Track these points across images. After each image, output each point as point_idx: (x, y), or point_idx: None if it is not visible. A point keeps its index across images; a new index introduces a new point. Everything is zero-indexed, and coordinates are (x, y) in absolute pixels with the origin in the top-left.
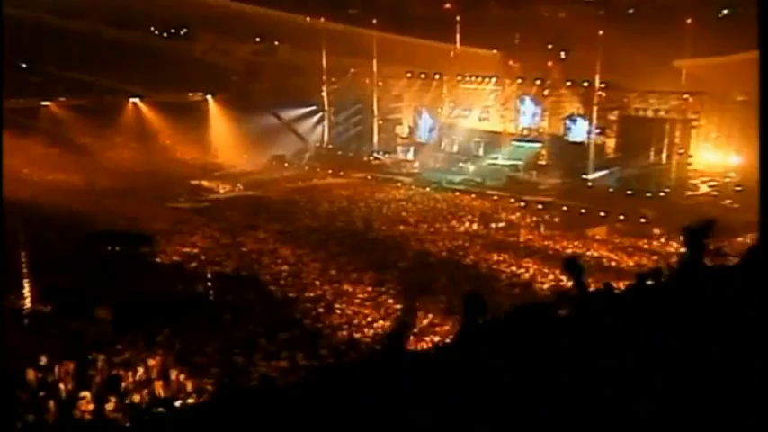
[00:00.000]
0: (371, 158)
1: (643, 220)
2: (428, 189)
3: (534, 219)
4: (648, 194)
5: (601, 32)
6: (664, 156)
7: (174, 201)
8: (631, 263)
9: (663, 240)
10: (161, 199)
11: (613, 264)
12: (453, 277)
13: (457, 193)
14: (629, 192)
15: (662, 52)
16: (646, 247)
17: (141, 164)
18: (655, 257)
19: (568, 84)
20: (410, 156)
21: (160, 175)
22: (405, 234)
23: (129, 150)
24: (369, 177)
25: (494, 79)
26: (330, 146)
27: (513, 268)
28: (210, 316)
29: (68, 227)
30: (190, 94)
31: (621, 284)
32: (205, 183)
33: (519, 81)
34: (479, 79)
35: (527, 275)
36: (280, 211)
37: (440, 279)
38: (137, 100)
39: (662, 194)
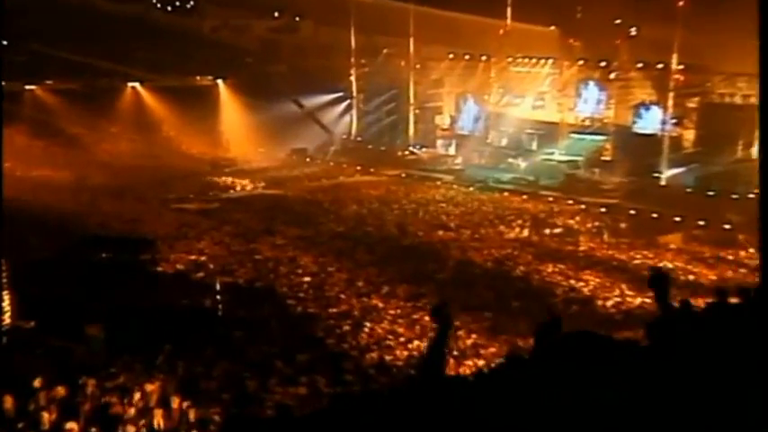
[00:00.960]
0: (406, 153)
1: (727, 227)
2: (472, 189)
3: (596, 224)
4: (734, 196)
5: (681, 3)
6: (754, 150)
7: (178, 201)
8: (713, 276)
9: (751, 250)
10: (164, 199)
11: (691, 277)
12: (500, 292)
13: (505, 194)
14: (710, 192)
15: (753, 28)
16: (730, 258)
17: (141, 158)
18: (742, 271)
19: (639, 66)
20: (451, 150)
21: (163, 171)
22: (444, 241)
23: (127, 142)
24: (403, 175)
25: (550, 61)
26: (359, 138)
27: (571, 282)
28: (219, 334)
29: (56, 230)
30: (198, 78)
31: (701, 302)
32: (215, 180)
33: (580, 63)
34: (534, 61)
35: (587, 290)
36: (300, 214)
37: (485, 294)
38: (136, 84)
39: (750, 196)
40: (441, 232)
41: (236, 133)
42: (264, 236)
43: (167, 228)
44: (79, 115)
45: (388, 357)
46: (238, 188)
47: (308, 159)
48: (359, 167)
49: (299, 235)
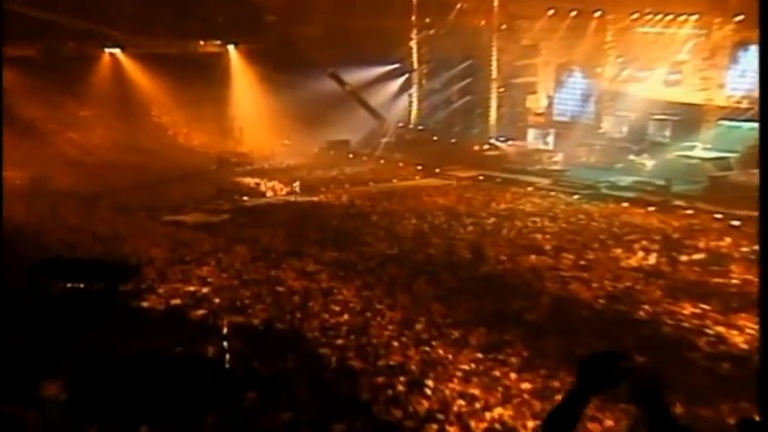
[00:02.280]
0: (485, 147)
1: None
2: (576, 197)
3: (754, 248)
4: None
5: None
6: None
7: (173, 211)
8: None
9: None
10: (153, 208)
11: None
12: (616, 340)
13: (624, 204)
14: None
15: None
16: None
17: (122, 152)
18: None
19: None
20: (548, 143)
21: (152, 170)
22: (537, 269)
23: (103, 131)
24: (481, 177)
25: (693, 17)
26: (420, 127)
27: (720, 329)
28: (226, 395)
29: (5, 250)
30: (201, 44)
31: None
32: (223, 183)
33: (737, 19)
34: (668, 18)
35: (742, 341)
36: (339, 230)
37: (594, 343)
38: (116, 51)
39: None
40: (532, 257)
41: (253, 119)
42: (290, 260)
43: (157, 248)
44: (38, 93)
45: (453, 430)
46: (255, 194)
47: (350, 155)
48: (420, 167)
49: (337, 259)
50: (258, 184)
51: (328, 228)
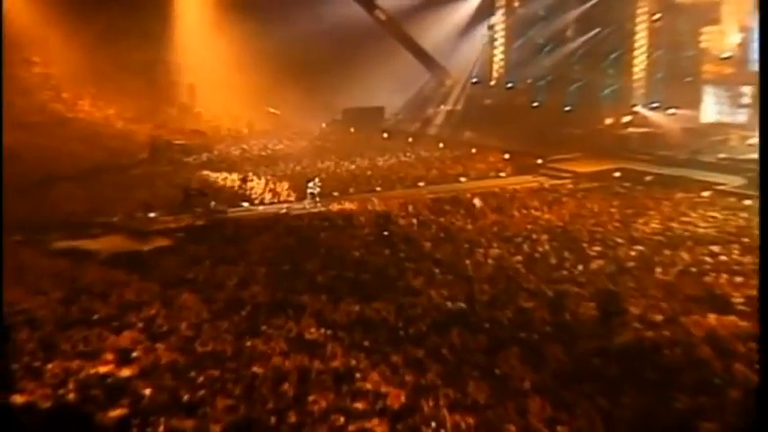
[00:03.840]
0: (625, 120)
1: None
2: None
3: None
4: None
5: None
6: None
7: (70, 234)
8: None
9: None
10: (34, 229)
11: None
12: None
13: None
14: None
15: None
16: None
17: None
18: None
19: None
20: (740, 112)
21: (35, 159)
22: (720, 339)
23: None
24: (617, 173)
25: None
26: (509, 84)
27: None
28: None
29: None
30: None
31: None
32: (160, 183)
33: None
34: None
35: None
36: (362, 266)
37: None
38: None
39: None
40: (710, 317)
41: (214, 74)
42: (276, 318)
43: (42, 298)
44: None
45: None
46: (218, 201)
47: (384, 134)
48: (507, 155)
49: (361, 318)
50: (224, 185)
51: (345, 262)
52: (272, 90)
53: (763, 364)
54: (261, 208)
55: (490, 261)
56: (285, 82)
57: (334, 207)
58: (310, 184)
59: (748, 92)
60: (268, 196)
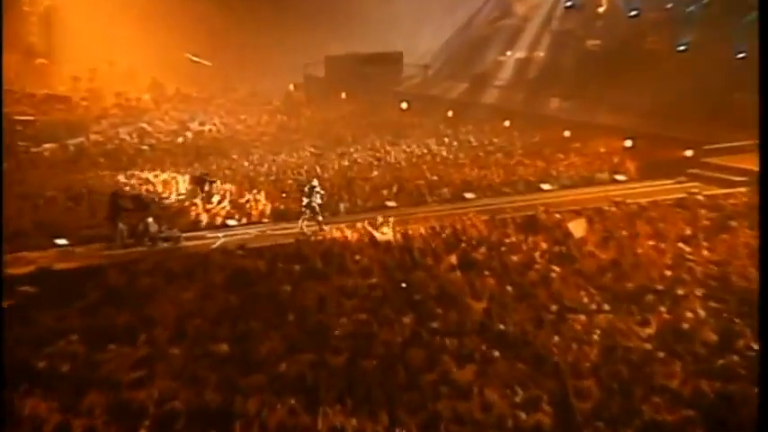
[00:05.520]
0: None
1: None
2: None
3: None
4: None
5: None
6: None
7: None
8: None
9: None
10: None
11: None
12: None
13: None
14: None
15: None
16: None
17: None
18: None
19: None
20: None
21: None
22: None
23: None
24: None
25: None
26: (633, 12)
27: None
28: None
29: None
30: None
31: None
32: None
33: None
34: None
35: None
36: (362, 353)
37: None
38: None
39: None
40: None
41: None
42: None
43: None
44: None
45: None
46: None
47: (402, 105)
48: (627, 140)
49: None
50: (117, 193)
51: (329, 350)
52: (200, 23)
53: (764, 363)
54: (162, 241)
55: (596, 337)
56: (223, 9)
57: (315, 235)
58: (307, 188)
59: None
60: (190, 214)
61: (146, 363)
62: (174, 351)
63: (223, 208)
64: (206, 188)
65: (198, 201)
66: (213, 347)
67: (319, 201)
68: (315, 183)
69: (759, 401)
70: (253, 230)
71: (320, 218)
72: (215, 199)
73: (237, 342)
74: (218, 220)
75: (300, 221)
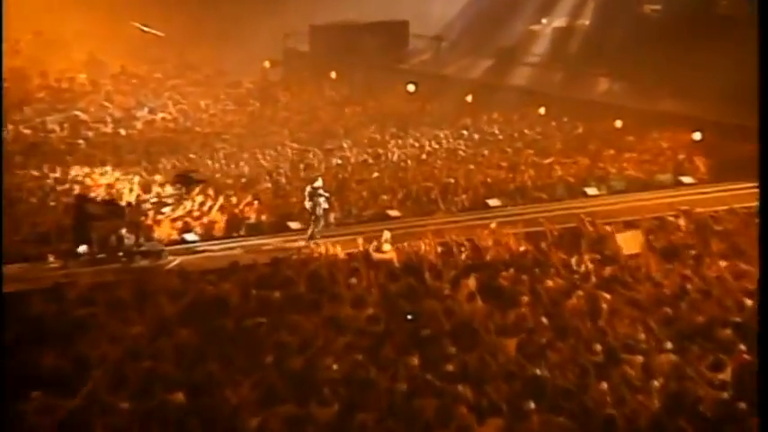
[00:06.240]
0: None
1: None
2: None
3: None
4: None
5: None
6: None
7: None
8: None
9: None
10: None
11: None
12: None
13: None
14: None
15: None
16: None
17: None
18: None
19: None
20: None
21: None
22: None
23: None
24: None
25: None
26: None
27: None
28: None
29: None
30: None
31: None
32: None
33: None
34: None
35: None
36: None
37: None
38: None
39: None
40: None
41: None
42: None
43: None
44: None
45: None
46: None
47: (409, 87)
48: (696, 132)
49: None
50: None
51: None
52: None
53: (764, 364)
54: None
55: (656, 384)
56: None
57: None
58: (309, 190)
59: None
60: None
61: (79, 415)
62: (116, 401)
63: (182, 218)
64: (193, 190)
65: (188, 206)
66: (166, 396)
67: (325, 205)
68: (318, 183)
69: (758, 404)
70: (218, 247)
71: (320, 226)
72: (188, 204)
73: (197, 391)
74: (173, 235)
75: (310, 230)
